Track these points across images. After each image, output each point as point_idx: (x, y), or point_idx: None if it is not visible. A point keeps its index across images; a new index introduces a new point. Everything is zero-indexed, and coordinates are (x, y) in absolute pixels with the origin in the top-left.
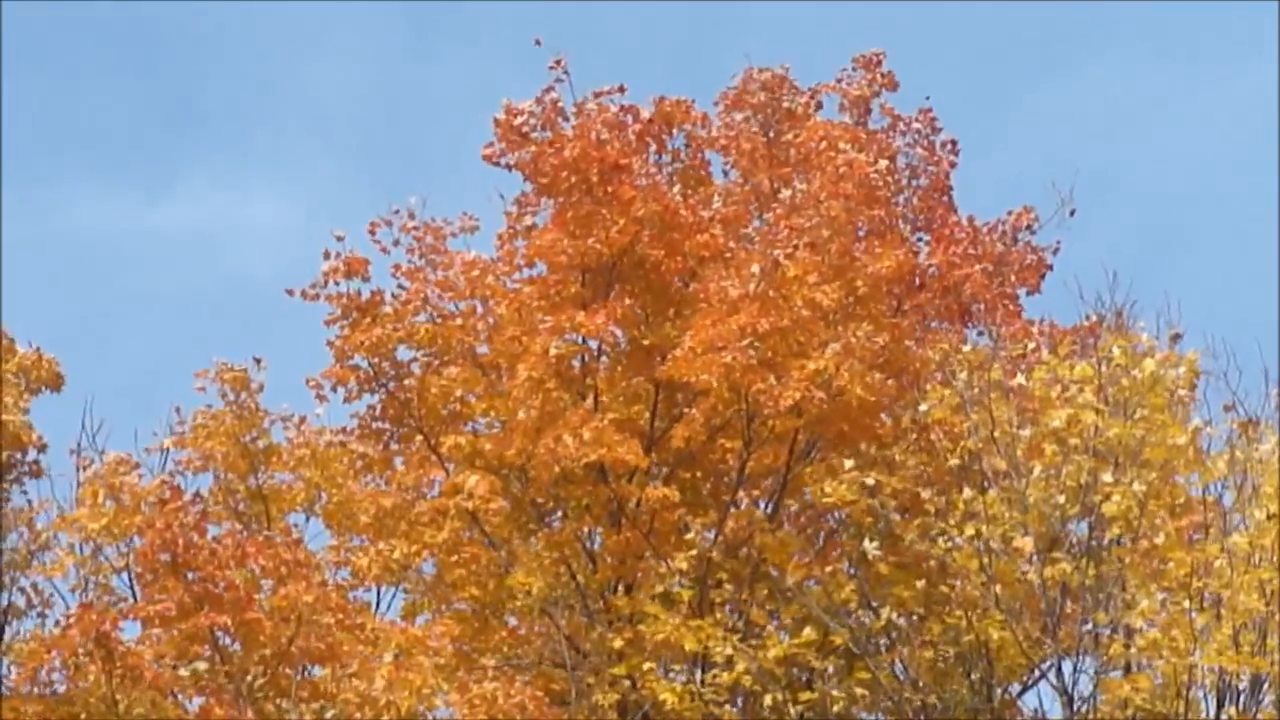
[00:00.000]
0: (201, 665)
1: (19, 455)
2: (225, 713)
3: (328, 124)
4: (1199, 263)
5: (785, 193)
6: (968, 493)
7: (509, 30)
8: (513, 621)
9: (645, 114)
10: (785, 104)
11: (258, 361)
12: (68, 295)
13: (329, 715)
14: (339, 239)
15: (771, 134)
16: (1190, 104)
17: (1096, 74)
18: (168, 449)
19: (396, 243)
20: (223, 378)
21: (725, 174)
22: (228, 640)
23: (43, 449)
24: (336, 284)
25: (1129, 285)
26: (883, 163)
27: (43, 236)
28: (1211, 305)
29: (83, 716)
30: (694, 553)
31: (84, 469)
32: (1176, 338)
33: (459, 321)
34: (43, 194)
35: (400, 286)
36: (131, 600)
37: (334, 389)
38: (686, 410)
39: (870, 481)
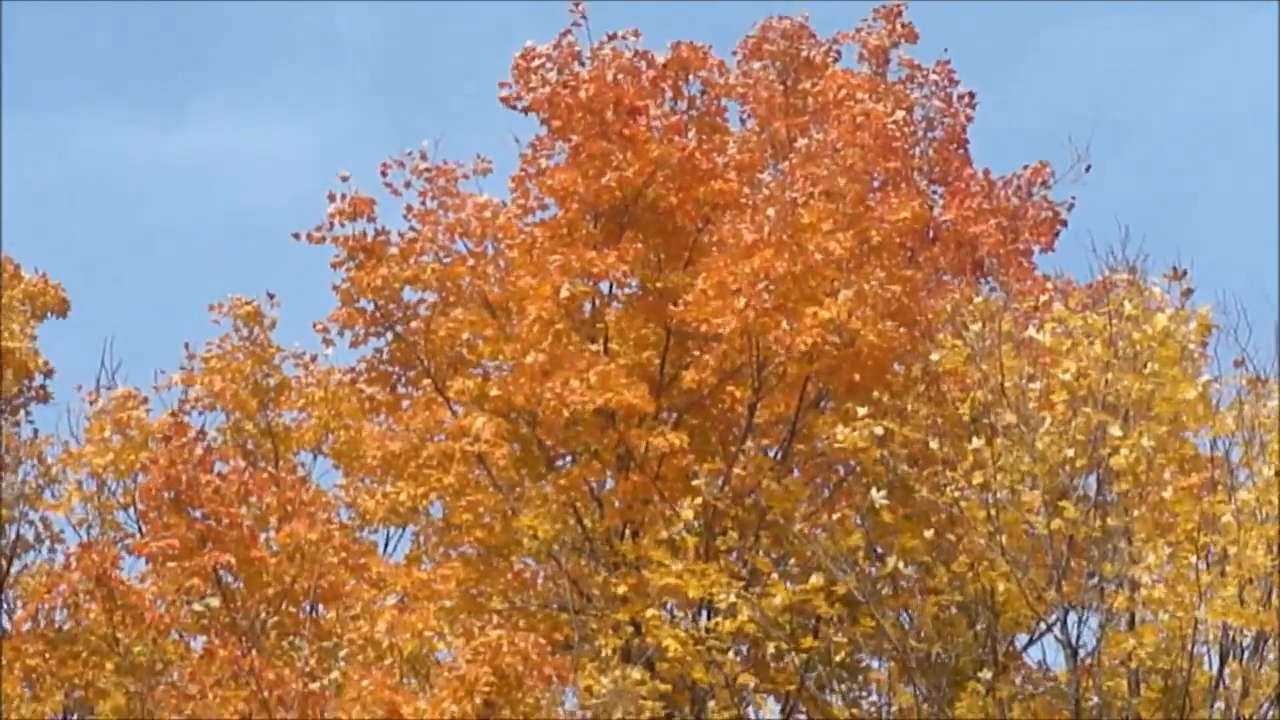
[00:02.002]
0: (214, 602)
1: (26, 381)
2: (230, 652)
3: (344, 55)
4: (1214, 210)
5: (801, 141)
6: (976, 443)
7: None
8: (519, 564)
9: (661, 60)
10: (804, 53)
11: (271, 297)
12: (77, 223)
13: (341, 655)
14: (344, 179)
15: (789, 83)
16: (1206, 51)
17: (1111, 21)
18: (175, 385)
19: (408, 184)
20: (236, 312)
21: (742, 122)
22: (230, 578)
23: (49, 374)
24: (342, 225)
25: (1141, 240)
26: (899, 114)
27: (53, 163)
28: (1225, 252)
29: (84, 654)
30: (699, 500)
31: (92, 403)
32: (1188, 293)
33: (470, 263)
34: (53, 120)
35: (412, 229)
36: (137, 536)
37: (341, 332)
38: (697, 356)
39: (880, 430)
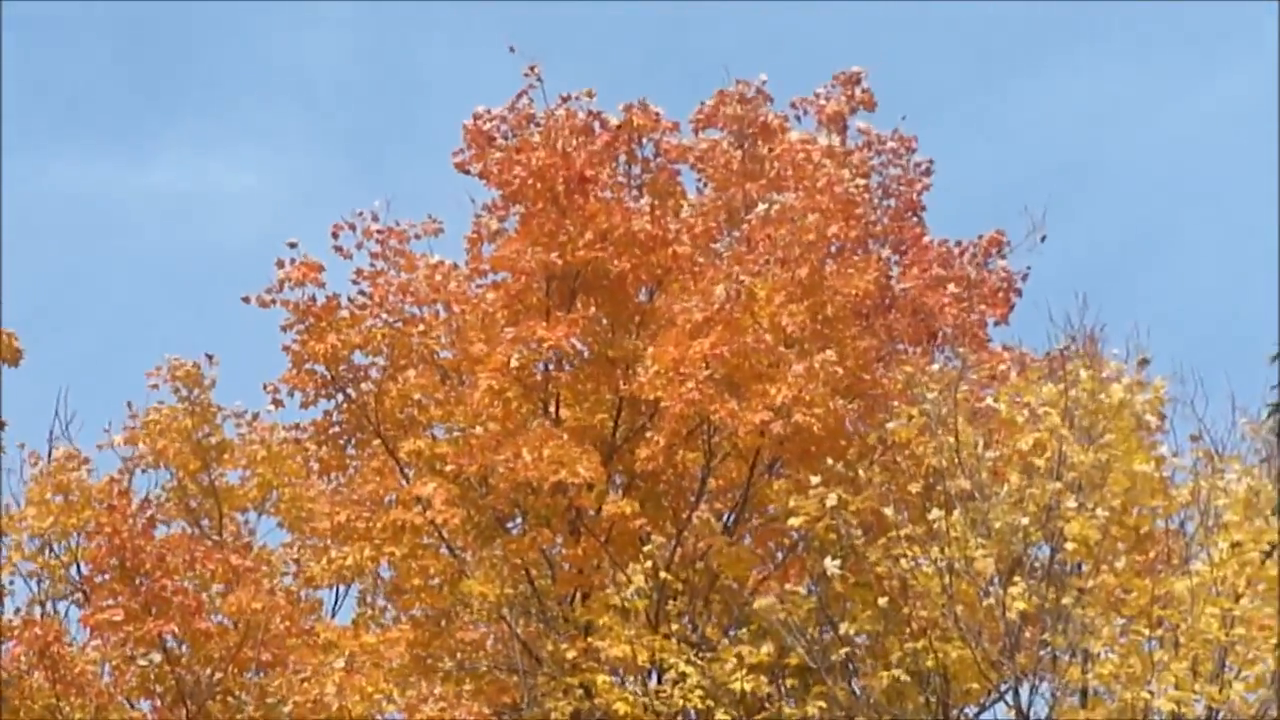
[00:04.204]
0: (156, 657)
1: None
2: None
3: (312, 94)
4: (1174, 262)
5: (761, 206)
6: (932, 513)
7: (495, 8)
8: (469, 626)
9: (614, 121)
10: (761, 118)
11: (210, 358)
12: (41, 263)
13: (285, 710)
14: (291, 246)
15: (746, 146)
16: (1168, 101)
17: (1072, 71)
18: (118, 445)
19: (360, 246)
20: (174, 374)
21: (699, 190)
22: (175, 643)
23: (0, 427)
24: (291, 289)
25: (1099, 307)
26: (859, 180)
27: (21, 203)
28: (1183, 307)
29: None
30: (649, 564)
31: (34, 465)
32: (1144, 363)
33: (421, 326)
34: (17, 161)
35: (361, 292)
36: (83, 591)
37: (291, 394)
38: (649, 422)
39: (833, 500)
